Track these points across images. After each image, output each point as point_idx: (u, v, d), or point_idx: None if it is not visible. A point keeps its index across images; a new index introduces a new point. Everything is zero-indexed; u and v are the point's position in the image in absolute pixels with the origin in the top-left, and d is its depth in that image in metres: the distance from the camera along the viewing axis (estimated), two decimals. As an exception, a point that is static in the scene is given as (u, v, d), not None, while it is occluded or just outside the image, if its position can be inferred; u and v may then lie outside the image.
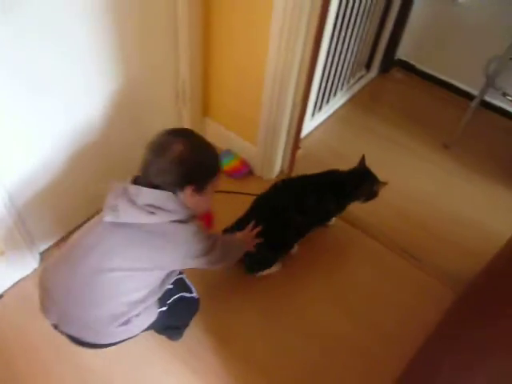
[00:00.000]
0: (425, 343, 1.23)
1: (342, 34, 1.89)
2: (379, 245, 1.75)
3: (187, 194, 1.12)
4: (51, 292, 1.15)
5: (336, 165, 1.74)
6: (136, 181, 1.12)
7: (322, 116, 2.18)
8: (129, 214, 1.07)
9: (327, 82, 2.02)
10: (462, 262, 1.72)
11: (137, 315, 1.16)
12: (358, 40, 2.08)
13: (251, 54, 1.57)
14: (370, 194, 1.63)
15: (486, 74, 2.03)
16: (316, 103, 2.02)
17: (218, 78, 1.75)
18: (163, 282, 1.19)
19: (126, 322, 1.14)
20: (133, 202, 1.06)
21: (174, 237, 1.12)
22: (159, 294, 1.20)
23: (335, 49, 1.91)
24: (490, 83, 2.02)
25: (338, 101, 2.27)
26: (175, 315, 1.32)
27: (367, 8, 1.98)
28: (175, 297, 1.28)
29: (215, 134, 1.92)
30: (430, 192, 1.99)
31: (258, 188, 1.81)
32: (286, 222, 1.51)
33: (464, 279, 1.59)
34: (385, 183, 1.61)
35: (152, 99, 1.64)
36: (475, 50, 2.23)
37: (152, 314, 1.22)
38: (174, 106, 1.76)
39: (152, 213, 1.06)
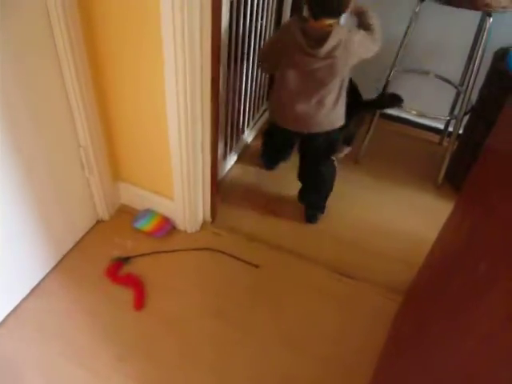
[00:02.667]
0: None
1: (238, 77, 1.92)
2: (315, 271, 1.75)
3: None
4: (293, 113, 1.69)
5: (260, 199, 1.96)
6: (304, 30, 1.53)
7: (234, 156, 2.18)
8: None
9: (232, 123, 2.03)
10: (400, 272, 1.76)
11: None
12: (255, 77, 2.12)
13: (150, 112, 1.55)
14: None
15: (377, 87, 2.14)
16: (226, 145, 2.02)
17: (122, 140, 1.71)
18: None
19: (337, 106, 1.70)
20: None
21: None
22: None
23: (233, 95, 1.93)
24: (384, 96, 2.12)
25: (246, 137, 2.29)
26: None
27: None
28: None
29: (131, 196, 1.87)
30: (353, 210, 2.04)
31: (183, 243, 1.78)
32: None
33: (403, 289, 1.63)
34: None
35: (55, 177, 1.56)
36: (366, 67, 2.35)
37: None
38: (80, 178, 1.68)
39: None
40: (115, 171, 1.81)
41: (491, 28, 1.81)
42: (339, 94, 1.69)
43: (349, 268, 1.77)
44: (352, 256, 1.83)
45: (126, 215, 1.86)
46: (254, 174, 2.18)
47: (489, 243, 0.72)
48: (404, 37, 1.96)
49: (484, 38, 1.84)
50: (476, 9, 1.72)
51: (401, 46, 1.98)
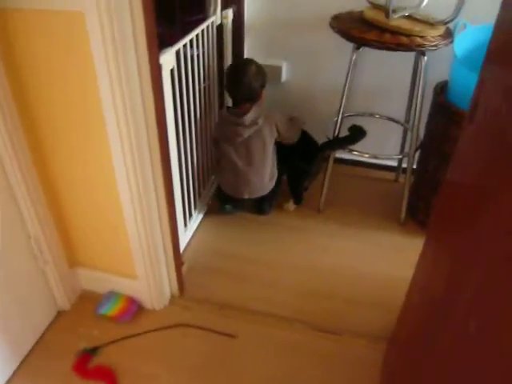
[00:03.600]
0: None
1: (188, 140, 1.89)
2: (293, 331, 1.68)
3: (263, 93, 1.98)
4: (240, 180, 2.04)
5: (228, 263, 1.93)
6: (229, 109, 1.99)
7: (194, 222, 2.13)
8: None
9: (188, 188, 1.99)
10: (379, 318, 1.72)
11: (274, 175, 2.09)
12: (204, 141, 2.10)
13: (101, 194, 1.49)
14: None
15: (327, 135, 2.16)
16: (184, 213, 1.96)
17: (76, 224, 1.63)
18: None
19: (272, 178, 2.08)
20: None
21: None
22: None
23: (186, 160, 1.91)
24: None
25: (204, 201, 2.25)
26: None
27: (204, 110, 2.02)
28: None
29: (91, 280, 1.77)
30: (322, 260, 2.00)
31: (153, 322, 1.69)
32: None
33: (384, 335, 1.58)
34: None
35: (6, 272, 1.46)
36: (313, 116, 2.38)
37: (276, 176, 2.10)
38: (34, 269, 1.58)
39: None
40: (71, 257, 1.71)
41: (427, 65, 1.87)
42: (273, 167, 2.07)
43: (327, 322, 1.70)
44: (328, 308, 1.77)
45: (88, 302, 1.75)
46: (218, 237, 2.13)
47: (473, 296, 0.68)
48: (345, 83, 1.99)
49: (422, 75, 1.90)
50: (410, 50, 1.78)
51: (344, 93, 2.01)
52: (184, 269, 1.84)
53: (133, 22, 1.13)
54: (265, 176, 2.04)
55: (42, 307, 1.66)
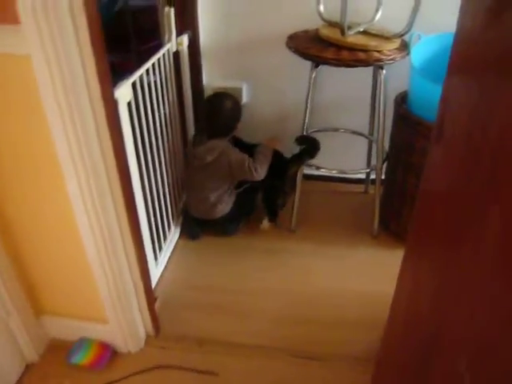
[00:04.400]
0: None
1: (152, 172, 1.83)
2: (275, 360, 1.62)
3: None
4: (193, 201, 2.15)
5: (201, 296, 1.88)
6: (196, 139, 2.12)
7: (165, 255, 2.06)
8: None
9: (156, 221, 1.93)
10: (360, 338, 1.68)
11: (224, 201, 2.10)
12: (169, 170, 2.05)
13: (62, 238, 1.42)
14: None
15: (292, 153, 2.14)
16: (154, 248, 1.89)
17: (39, 272, 1.54)
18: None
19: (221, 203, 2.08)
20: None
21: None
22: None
23: (151, 193, 1.84)
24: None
25: (174, 233, 2.19)
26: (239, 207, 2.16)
27: (169, 136, 1.97)
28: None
29: (60, 328, 1.67)
30: (298, 282, 1.96)
31: (129, 367, 1.61)
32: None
33: (367, 356, 1.55)
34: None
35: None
36: (277, 135, 2.36)
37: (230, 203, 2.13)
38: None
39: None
40: (37, 305, 1.62)
41: (386, 77, 1.87)
42: (227, 195, 2.10)
43: (309, 347, 1.66)
44: (309, 333, 1.72)
45: (58, 351, 1.65)
46: (191, 266, 2.07)
47: (461, 328, 0.64)
48: (307, 101, 1.98)
49: (382, 88, 1.90)
50: (368, 65, 1.78)
51: (306, 110, 2.00)
52: (157, 305, 1.77)
53: (82, 62, 1.07)
54: (207, 202, 2.08)
55: (9, 362, 1.56)
